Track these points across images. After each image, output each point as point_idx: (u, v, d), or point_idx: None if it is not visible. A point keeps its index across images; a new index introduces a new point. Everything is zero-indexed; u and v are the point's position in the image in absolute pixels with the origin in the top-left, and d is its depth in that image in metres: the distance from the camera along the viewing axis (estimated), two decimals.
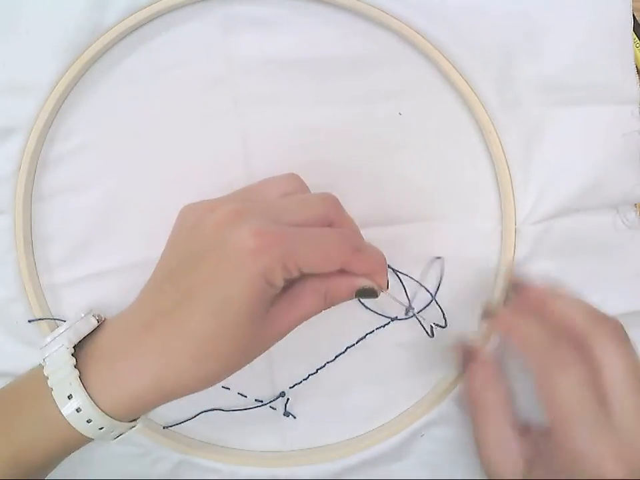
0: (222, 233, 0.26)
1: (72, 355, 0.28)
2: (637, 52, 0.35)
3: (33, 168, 0.34)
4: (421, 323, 0.35)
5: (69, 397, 0.26)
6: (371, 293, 0.29)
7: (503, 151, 0.34)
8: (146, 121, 0.34)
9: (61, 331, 0.29)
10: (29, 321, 0.35)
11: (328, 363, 0.36)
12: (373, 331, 0.36)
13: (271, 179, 0.30)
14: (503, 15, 0.33)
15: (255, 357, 0.29)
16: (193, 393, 0.28)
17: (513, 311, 0.33)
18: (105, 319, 0.31)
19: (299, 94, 0.34)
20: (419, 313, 0.35)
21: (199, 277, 0.26)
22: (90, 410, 0.27)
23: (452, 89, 0.34)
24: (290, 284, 0.28)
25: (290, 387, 0.36)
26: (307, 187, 0.30)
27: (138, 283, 0.35)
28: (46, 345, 0.29)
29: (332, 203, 0.29)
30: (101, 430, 0.27)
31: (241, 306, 0.26)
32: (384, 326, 0.35)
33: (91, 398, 0.27)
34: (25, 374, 0.30)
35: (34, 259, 0.35)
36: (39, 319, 0.35)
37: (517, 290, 0.33)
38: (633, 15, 0.34)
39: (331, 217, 0.28)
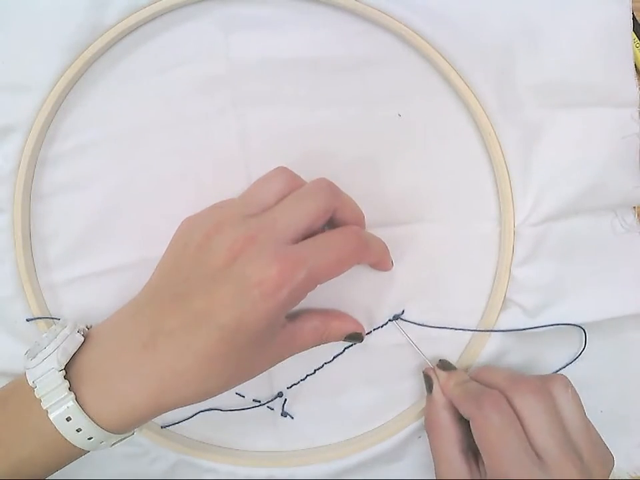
0: (238, 263, 0.27)
1: (64, 377, 0.27)
2: (637, 52, 0.35)
3: (32, 167, 0.34)
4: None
5: (68, 419, 0.27)
6: (357, 337, 0.34)
7: (502, 152, 0.34)
8: (145, 120, 0.34)
9: (49, 352, 0.28)
10: (27, 320, 0.35)
11: (326, 363, 0.36)
12: (371, 331, 0.36)
13: (264, 181, 0.31)
14: (502, 16, 0.33)
15: (257, 375, 0.30)
16: (192, 404, 0.28)
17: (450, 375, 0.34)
18: (90, 327, 0.31)
19: (298, 94, 0.34)
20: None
21: (212, 303, 0.27)
22: (90, 428, 0.27)
23: (451, 91, 0.34)
24: (294, 316, 0.31)
25: (288, 388, 0.36)
26: (298, 177, 0.31)
27: (136, 282, 0.35)
28: (34, 366, 0.28)
29: (329, 190, 0.30)
30: (101, 443, 0.28)
31: (255, 332, 0.27)
32: (382, 326, 0.36)
33: (89, 417, 0.27)
34: (12, 386, 0.29)
35: (32, 258, 0.35)
36: (37, 318, 0.35)
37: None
38: (633, 15, 0.34)
39: (333, 205, 0.30)
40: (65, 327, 0.29)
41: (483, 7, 0.33)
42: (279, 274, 0.26)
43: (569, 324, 0.34)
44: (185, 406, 0.28)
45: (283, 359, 0.31)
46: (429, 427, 0.34)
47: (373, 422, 0.37)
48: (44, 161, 0.35)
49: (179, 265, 0.29)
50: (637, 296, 0.35)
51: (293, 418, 0.37)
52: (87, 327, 0.31)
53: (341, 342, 0.34)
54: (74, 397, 0.27)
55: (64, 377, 0.27)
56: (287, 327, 0.31)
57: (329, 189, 0.30)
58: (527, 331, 0.34)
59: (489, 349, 0.35)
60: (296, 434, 0.37)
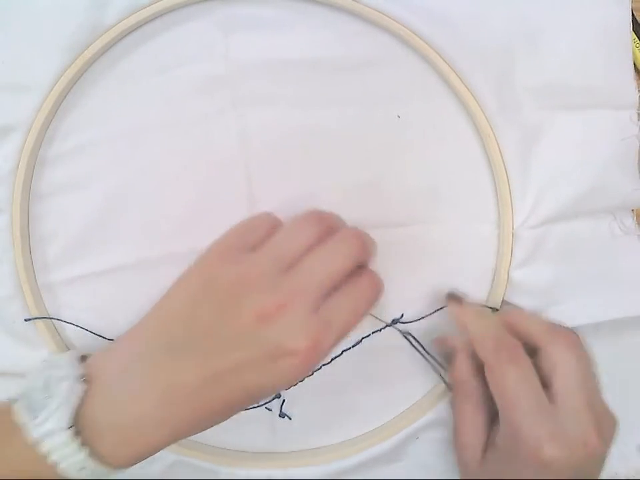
0: (268, 329, 0.26)
1: (75, 432, 0.26)
2: (637, 52, 0.35)
3: (31, 167, 0.34)
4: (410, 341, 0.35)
5: (82, 469, 0.26)
6: None
7: (501, 154, 0.34)
8: (145, 120, 0.34)
9: (53, 409, 0.26)
10: (26, 320, 0.35)
11: (324, 365, 0.36)
12: (370, 334, 0.35)
13: (294, 230, 0.29)
14: (502, 17, 0.33)
15: None
16: None
17: (474, 306, 0.34)
18: (86, 357, 0.29)
19: (298, 95, 0.34)
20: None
21: (238, 365, 0.26)
22: (103, 472, 0.26)
23: (451, 92, 0.34)
24: None
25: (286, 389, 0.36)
26: (329, 221, 0.29)
27: (135, 282, 0.35)
28: (37, 425, 0.26)
29: (361, 245, 0.29)
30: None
31: (276, 391, 0.28)
32: (380, 330, 0.35)
33: (106, 463, 0.26)
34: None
35: (31, 258, 0.35)
36: (36, 318, 0.35)
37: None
38: (633, 15, 0.34)
39: (363, 260, 0.29)
40: (64, 378, 0.27)
41: (483, 8, 0.33)
42: (310, 346, 0.26)
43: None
44: None
45: None
46: (458, 391, 0.34)
47: (372, 423, 0.37)
48: (43, 161, 0.35)
49: (198, 313, 0.27)
50: (635, 298, 0.35)
51: (290, 419, 0.37)
52: (82, 357, 0.29)
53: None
54: (88, 452, 0.26)
55: (74, 432, 0.26)
56: None
57: (362, 243, 0.29)
58: None
59: None
60: (294, 435, 0.37)
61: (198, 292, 0.28)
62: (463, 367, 0.33)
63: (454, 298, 0.34)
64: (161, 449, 0.27)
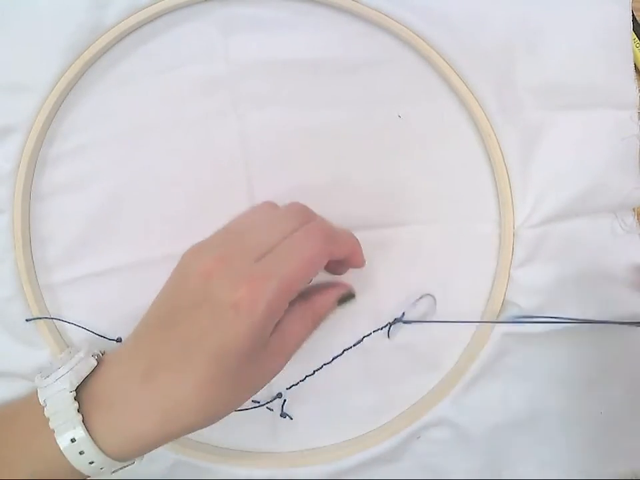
0: (208, 285, 0.27)
1: (74, 398, 0.27)
2: (637, 52, 0.35)
3: (31, 167, 0.34)
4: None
5: (72, 440, 0.26)
6: (348, 297, 0.32)
7: (501, 154, 0.34)
8: (145, 121, 0.34)
9: (63, 373, 0.28)
10: (27, 320, 0.35)
11: (325, 364, 0.36)
12: (370, 333, 0.35)
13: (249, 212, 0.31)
14: (502, 18, 0.33)
15: (257, 392, 0.29)
16: (198, 429, 0.28)
17: None
18: (103, 353, 0.30)
19: (298, 96, 0.34)
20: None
21: (194, 328, 0.27)
22: (93, 453, 0.27)
23: (451, 92, 0.34)
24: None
25: (287, 388, 0.36)
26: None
27: (136, 283, 0.35)
28: (46, 385, 0.28)
29: (302, 213, 0.30)
30: (102, 469, 0.28)
31: (241, 352, 0.26)
32: (381, 328, 0.35)
33: (94, 441, 0.26)
34: (20, 405, 0.29)
35: (32, 258, 0.35)
36: (37, 318, 0.35)
37: None
38: (633, 15, 0.34)
39: (304, 222, 0.29)
40: (80, 350, 0.30)
41: (483, 9, 0.33)
42: (247, 294, 0.26)
43: (569, 321, 0.34)
44: (192, 432, 0.28)
45: (283, 365, 0.30)
46: None
47: (372, 423, 0.37)
48: (44, 161, 0.35)
49: (166, 295, 0.29)
50: (636, 296, 0.35)
51: (292, 419, 0.37)
52: (100, 352, 0.30)
53: (339, 343, 0.34)
54: (81, 419, 0.26)
55: (74, 398, 0.27)
56: (274, 334, 0.29)
57: (306, 211, 0.30)
58: (526, 332, 0.34)
59: (489, 350, 0.35)
60: (295, 434, 0.37)
61: (167, 282, 0.29)
62: None
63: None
64: (152, 441, 0.27)
